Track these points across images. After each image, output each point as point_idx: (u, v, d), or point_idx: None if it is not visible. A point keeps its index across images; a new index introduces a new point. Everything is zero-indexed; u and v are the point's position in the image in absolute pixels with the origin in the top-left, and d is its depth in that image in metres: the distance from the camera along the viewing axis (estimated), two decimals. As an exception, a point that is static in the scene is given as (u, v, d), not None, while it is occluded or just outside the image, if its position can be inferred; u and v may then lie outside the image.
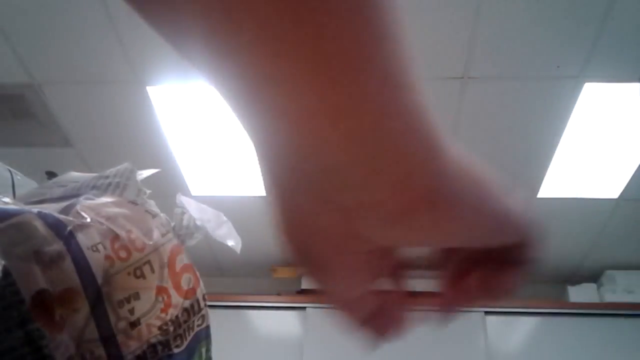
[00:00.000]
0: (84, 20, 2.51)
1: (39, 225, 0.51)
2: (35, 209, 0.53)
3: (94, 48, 2.64)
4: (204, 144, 3.14)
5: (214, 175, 3.36)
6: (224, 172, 3.33)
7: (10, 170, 0.91)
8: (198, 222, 0.83)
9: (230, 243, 0.88)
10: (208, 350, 0.85)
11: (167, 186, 3.28)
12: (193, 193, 3.43)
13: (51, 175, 3.13)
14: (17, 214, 0.51)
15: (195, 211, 0.91)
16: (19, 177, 0.90)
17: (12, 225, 0.50)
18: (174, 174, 3.27)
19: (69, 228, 0.55)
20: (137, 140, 3.07)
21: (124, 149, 3.13)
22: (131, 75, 2.74)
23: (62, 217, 0.55)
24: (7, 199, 0.54)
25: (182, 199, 0.92)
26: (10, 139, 3.11)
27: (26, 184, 0.93)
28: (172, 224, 0.87)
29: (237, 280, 4.18)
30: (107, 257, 0.59)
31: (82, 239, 0.56)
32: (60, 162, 3.22)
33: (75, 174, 0.94)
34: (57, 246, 0.52)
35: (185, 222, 0.89)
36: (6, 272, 0.47)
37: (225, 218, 0.95)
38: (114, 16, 2.48)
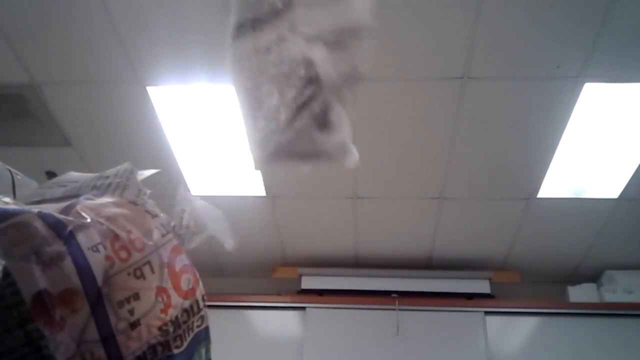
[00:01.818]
0: (83, 20, 2.51)
1: (39, 225, 0.51)
2: (35, 209, 0.53)
3: (94, 48, 2.63)
4: (204, 144, 3.14)
5: (214, 175, 3.36)
6: (224, 172, 3.33)
7: (10, 170, 0.91)
8: (198, 221, 0.83)
9: (225, 243, 0.88)
10: (208, 351, 0.85)
11: (167, 186, 3.28)
12: (193, 193, 3.42)
13: (51, 175, 3.13)
14: (18, 214, 0.51)
15: (195, 209, 0.91)
16: (19, 177, 0.90)
17: (13, 225, 0.49)
18: (174, 174, 3.27)
19: (69, 228, 0.54)
20: (137, 140, 3.07)
21: (124, 149, 3.13)
22: (131, 75, 2.74)
23: (62, 217, 0.55)
24: (7, 199, 0.54)
25: (185, 194, 0.91)
26: (10, 139, 3.11)
27: (26, 184, 0.93)
28: (173, 223, 0.87)
29: (237, 280, 4.18)
30: (108, 258, 0.58)
31: (82, 239, 0.56)
32: (60, 162, 3.22)
33: (75, 174, 0.94)
34: (57, 246, 0.52)
35: (185, 222, 0.89)
36: (6, 272, 0.47)
37: (222, 217, 0.94)
38: (114, 16, 2.48)
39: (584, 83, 2.65)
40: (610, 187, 3.26)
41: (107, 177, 0.88)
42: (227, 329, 3.56)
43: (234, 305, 3.71)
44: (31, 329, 0.50)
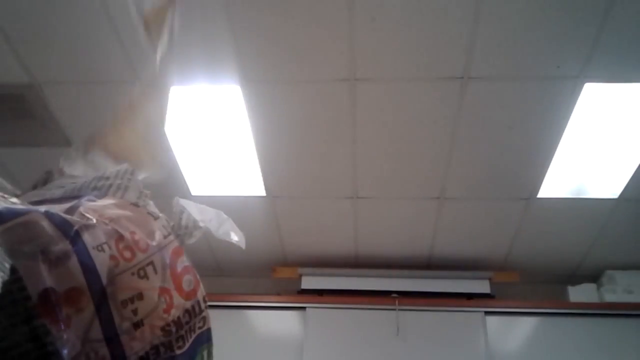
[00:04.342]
0: (84, 20, 2.51)
1: (46, 224, 0.52)
2: (42, 208, 0.54)
3: (94, 48, 2.64)
4: (204, 144, 3.14)
5: (214, 175, 3.36)
6: (224, 172, 3.33)
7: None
8: (201, 224, 0.83)
9: (234, 239, 0.88)
10: (210, 354, 0.85)
11: (167, 186, 3.28)
12: (193, 193, 3.43)
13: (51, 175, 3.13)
14: (25, 213, 0.51)
15: (195, 212, 0.91)
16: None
17: (20, 224, 0.50)
18: (174, 174, 3.27)
19: (75, 228, 0.55)
20: (137, 140, 3.07)
21: (124, 149, 3.12)
22: (132, 75, 2.74)
23: (68, 217, 0.56)
24: (14, 199, 0.54)
25: (181, 202, 0.92)
26: (10, 139, 3.10)
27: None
28: (171, 223, 0.87)
29: (237, 280, 4.18)
30: (112, 257, 0.59)
31: (88, 238, 0.56)
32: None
33: (72, 175, 0.94)
34: (63, 245, 0.52)
35: (184, 222, 0.89)
36: (13, 269, 0.47)
37: (225, 215, 0.95)
38: (114, 16, 2.48)
39: (584, 83, 2.66)
40: (610, 187, 3.26)
41: (108, 179, 0.87)
42: (227, 329, 3.56)
43: (234, 305, 3.71)
44: (37, 325, 0.50)
